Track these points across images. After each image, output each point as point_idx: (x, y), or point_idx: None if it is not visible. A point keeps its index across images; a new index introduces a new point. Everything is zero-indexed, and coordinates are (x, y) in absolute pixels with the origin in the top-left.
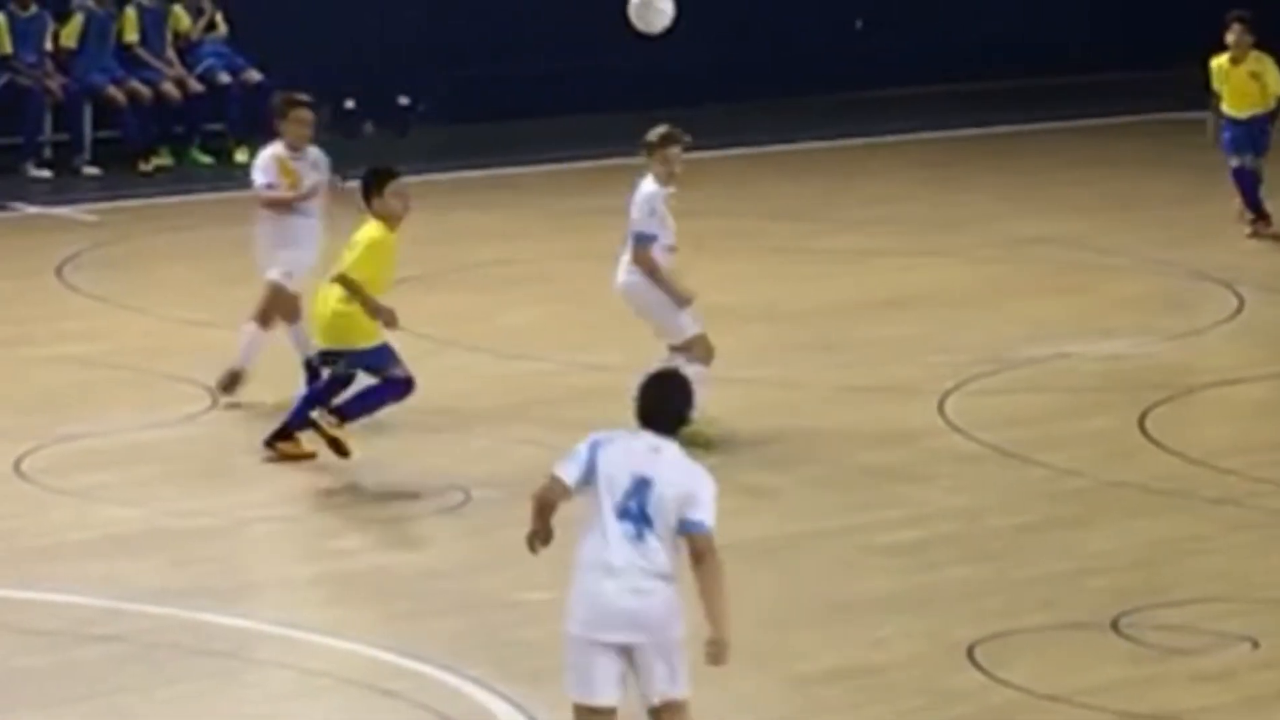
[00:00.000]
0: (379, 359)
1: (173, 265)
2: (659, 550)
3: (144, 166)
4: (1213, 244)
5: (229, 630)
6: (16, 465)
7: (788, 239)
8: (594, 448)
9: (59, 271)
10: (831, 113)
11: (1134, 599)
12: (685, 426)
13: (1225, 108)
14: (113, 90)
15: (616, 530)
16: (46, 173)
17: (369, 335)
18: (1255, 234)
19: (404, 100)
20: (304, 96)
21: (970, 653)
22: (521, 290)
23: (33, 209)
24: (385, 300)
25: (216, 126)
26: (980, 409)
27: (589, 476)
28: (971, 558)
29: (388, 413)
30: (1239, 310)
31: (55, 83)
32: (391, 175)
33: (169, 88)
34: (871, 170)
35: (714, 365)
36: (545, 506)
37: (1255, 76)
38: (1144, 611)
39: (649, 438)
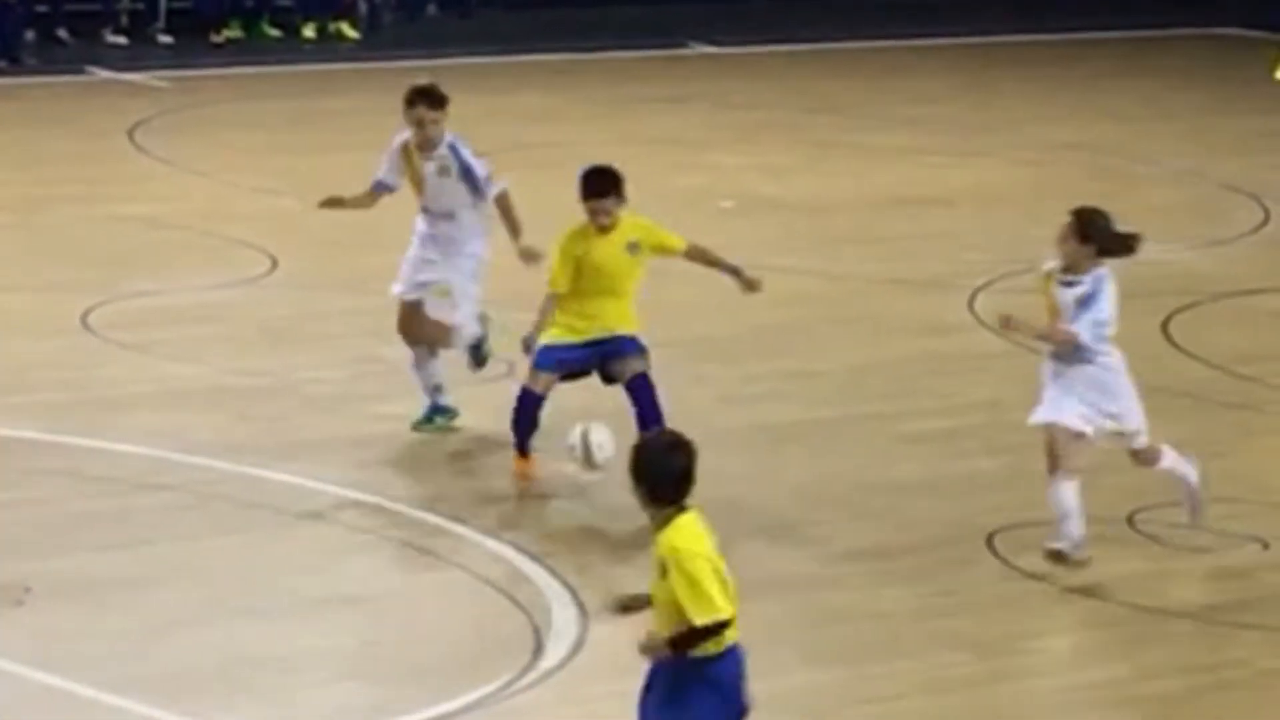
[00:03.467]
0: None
1: (239, 133)
2: None
3: (215, 38)
4: (1243, 157)
5: (279, 485)
6: (84, 319)
7: (830, 133)
8: None
9: (131, 134)
10: (877, 13)
11: (1150, 496)
12: None
13: None
14: None
15: None
16: (122, 40)
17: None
18: None
19: None
20: None
21: (990, 541)
22: (570, 171)
23: (108, 74)
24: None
25: (285, 2)
26: (1010, 306)
27: None
28: (995, 449)
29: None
30: (1265, 222)
31: None
32: (590, 188)
33: None
34: (914, 71)
35: (752, 254)
36: None
37: None
38: (1159, 509)
39: None
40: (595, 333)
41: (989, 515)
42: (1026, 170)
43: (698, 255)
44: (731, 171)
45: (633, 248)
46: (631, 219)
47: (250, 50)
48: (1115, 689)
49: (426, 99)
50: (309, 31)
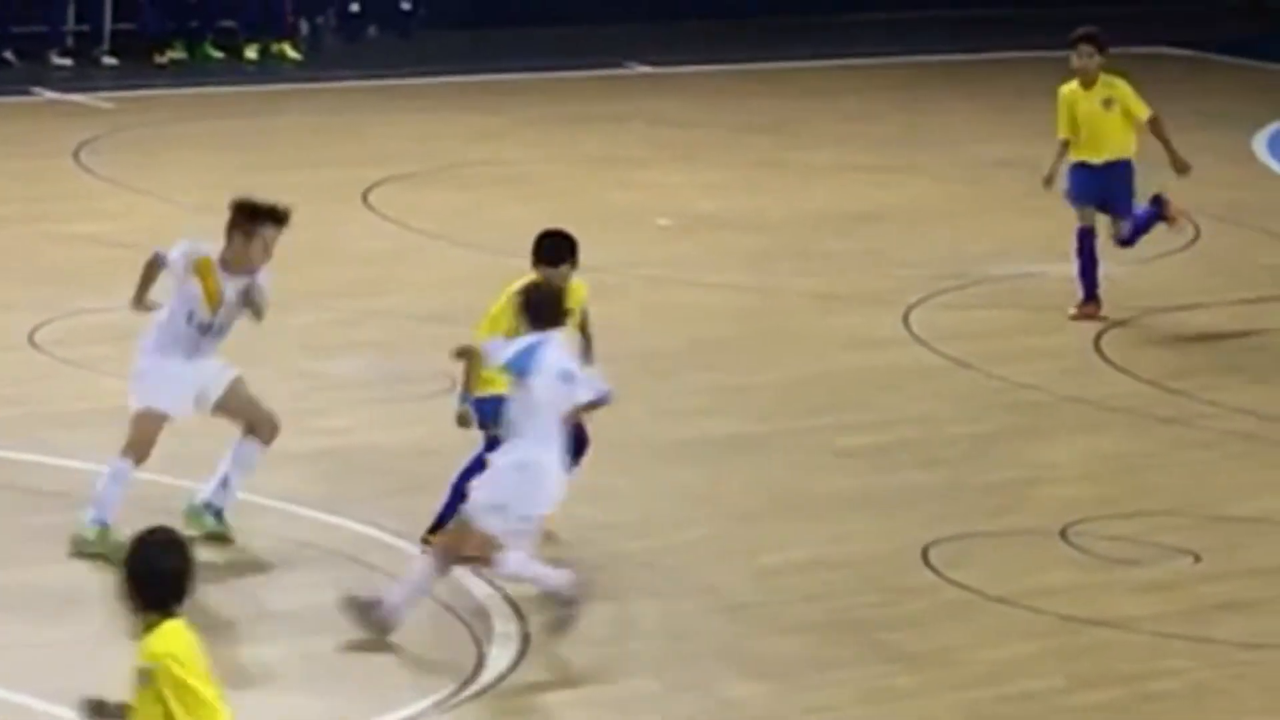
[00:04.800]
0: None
1: (183, 152)
2: None
3: (159, 59)
4: (1172, 174)
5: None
6: (30, 336)
7: (765, 152)
8: None
9: (76, 155)
10: (811, 33)
11: (1082, 510)
12: None
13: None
14: None
15: None
16: (68, 61)
17: None
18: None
19: (406, 5)
20: None
21: (925, 554)
22: (509, 189)
23: (54, 95)
24: None
25: (229, 23)
26: (943, 322)
27: None
28: (930, 463)
29: (386, 303)
30: (1195, 239)
31: None
32: (544, 254)
33: None
34: (849, 89)
35: (688, 271)
36: None
37: (1110, 104)
38: (1092, 522)
39: None
40: None
41: (923, 528)
42: (960, 187)
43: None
44: (669, 189)
45: (568, 315)
46: (575, 287)
47: (194, 71)
48: (1050, 700)
49: (277, 221)
50: (251, 53)
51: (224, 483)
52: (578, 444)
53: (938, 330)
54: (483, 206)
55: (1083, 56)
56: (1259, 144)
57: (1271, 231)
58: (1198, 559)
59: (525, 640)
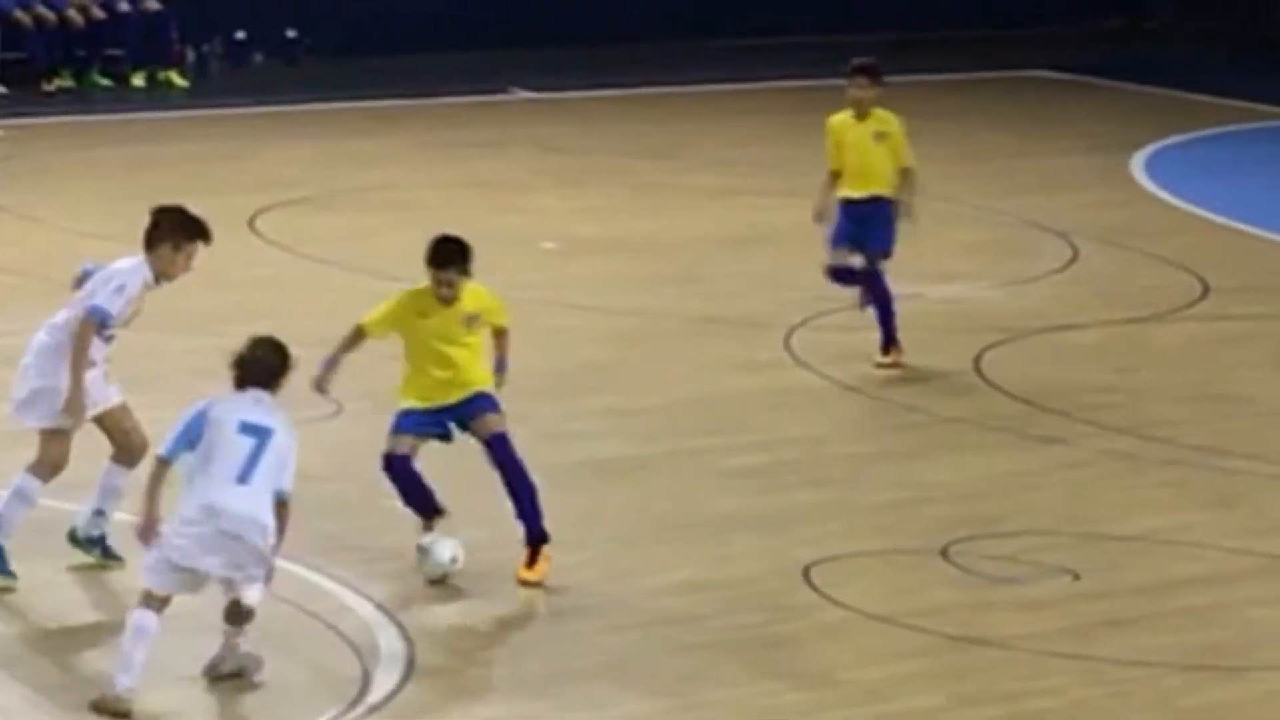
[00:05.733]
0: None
1: (72, 180)
2: None
3: (47, 87)
4: (1051, 196)
5: (115, 523)
6: None
7: (651, 175)
8: None
9: None
10: (695, 58)
11: (963, 529)
12: None
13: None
14: (20, 13)
15: None
16: None
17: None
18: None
19: (292, 33)
20: None
21: (807, 573)
22: (395, 214)
23: None
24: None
25: (116, 52)
26: (825, 344)
27: None
28: (812, 484)
29: (272, 327)
30: (1073, 260)
31: None
32: (433, 257)
33: (72, 13)
34: (733, 114)
35: (573, 294)
36: None
37: (881, 138)
38: (972, 541)
39: None
40: (452, 397)
41: (806, 547)
42: None
43: (503, 340)
44: (554, 214)
45: (471, 320)
46: (473, 291)
47: (82, 99)
48: (932, 718)
49: (206, 239)
50: (139, 80)
51: (99, 513)
52: (529, 488)
53: (821, 352)
54: (369, 231)
55: (858, 88)
56: (1137, 166)
57: (1150, 253)
58: (1077, 577)
59: (411, 661)
